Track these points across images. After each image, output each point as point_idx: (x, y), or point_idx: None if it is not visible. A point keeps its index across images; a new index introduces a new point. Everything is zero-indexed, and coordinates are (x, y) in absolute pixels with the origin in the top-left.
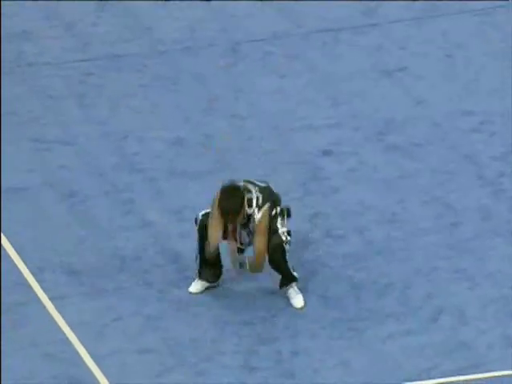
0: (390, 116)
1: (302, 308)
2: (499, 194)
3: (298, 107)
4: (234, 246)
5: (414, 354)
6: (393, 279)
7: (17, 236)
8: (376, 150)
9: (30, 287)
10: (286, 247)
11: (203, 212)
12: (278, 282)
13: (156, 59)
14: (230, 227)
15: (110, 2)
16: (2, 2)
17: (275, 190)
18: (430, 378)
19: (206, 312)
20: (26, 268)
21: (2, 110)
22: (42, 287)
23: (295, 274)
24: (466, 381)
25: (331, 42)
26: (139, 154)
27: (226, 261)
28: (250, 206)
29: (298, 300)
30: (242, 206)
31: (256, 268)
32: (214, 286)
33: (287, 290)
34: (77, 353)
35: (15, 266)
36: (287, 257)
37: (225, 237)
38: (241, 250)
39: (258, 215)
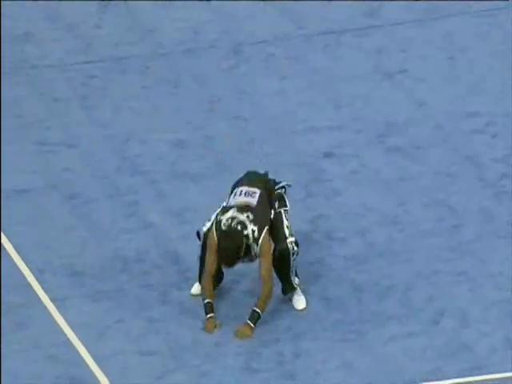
0: (391, 118)
1: (303, 310)
2: (501, 196)
3: (299, 109)
4: None
5: (416, 356)
6: (395, 281)
7: (19, 237)
8: (378, 152)
9: (31, 289)
10: (293, 258)
11: (206, 226)
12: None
13: (158, 61)
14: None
15: (112, 3)
16: (5, 4)
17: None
18: (431, 380)
19: None
20: (27, 269)
21: (5, 113)
22: (43, 289)
23: (296, 282)
24: (468, 383)
25: (333, 44)
26: (141, 156)
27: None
28: (248, 241)
29: (300, 302)
30: (240, 252)
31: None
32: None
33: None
34: (79, 354)
35: (17, 267)
36: (292, 265)
37: None
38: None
39: (256, 248)
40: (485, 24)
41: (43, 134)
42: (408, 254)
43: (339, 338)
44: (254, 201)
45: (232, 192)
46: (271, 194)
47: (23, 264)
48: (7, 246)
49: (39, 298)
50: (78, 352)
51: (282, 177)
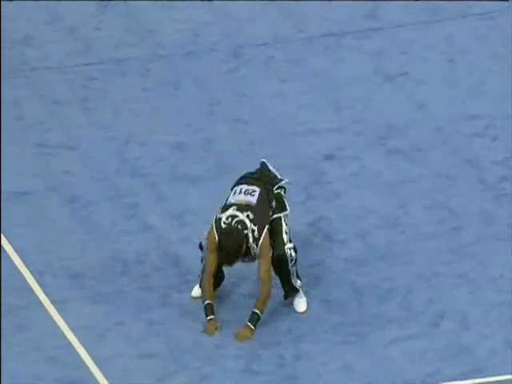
0: (392, 121)
1: (304, 312)
2: (501, 198)
3: (299, 111)
4: None
5: (416, 358)
6: (395, 284)
7: (19, 240)
8: (378, 154)
9: (32, 291)
10: (291, 263)
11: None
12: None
13: (158, 63)
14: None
15: (112, 4)
16: (5, 6)
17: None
18: (432, 383)
19: None
20: (28, 271)
21: (5, 115)
22: (44, 291)
23: (298, 284)
24: None
25: (333, 46)
26: (141, 159)
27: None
28: (247, 241)
29: (301, 304)
30: (240, 251)
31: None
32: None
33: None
34: (79, 356)
35: (17, 269)
36: (292, 268)
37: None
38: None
39: (256, 248)
40: (485, 27)
41: (43, 136)
42: (408, 257)
43: (340, 341)
44: (253, 199)
45: (232, 190)
46: (270, 194)
47: (23, 266)
48: (7, 248)
49: (39, 300)
50: (78, 354)
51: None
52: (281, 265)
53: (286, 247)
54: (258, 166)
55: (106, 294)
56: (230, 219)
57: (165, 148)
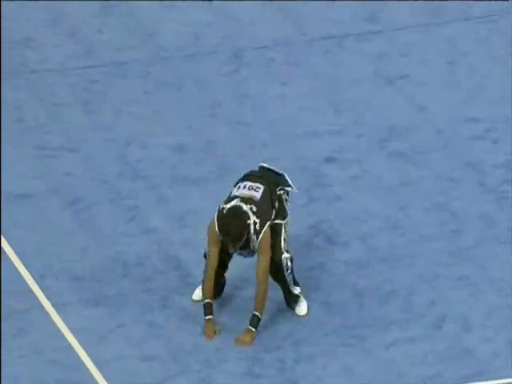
0: (393, 123)
1: (305, 316)
2: (502, 201)
3: (300, 114)
4: None
5: (418, 361)
6: (396, 286)
7: (20, 242)
8: (379, 157)
9: (32, 293)
10: (287, 273)
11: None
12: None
13: (159, 66)
14: (229, 249)
15: (113, 5)
16: (5, 8)
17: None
18: None
19: None
20: (28, 274)
21: (6, 117)
22: (44, 293)
23: (298, 290)
24: None
25: (334, 48)
26: (142, 161)
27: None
28: (248, 232)
29: (301, 308)
30: (243, 233)
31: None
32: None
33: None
34: (79, 359)
35: (18, 272)
36: (288, 279)
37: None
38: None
39: (256, 241)
40: (485, 29)
41: (44, 139)
42: (409, 259)
43: (340, 343)
44: (257, 195)
45: (235, 186)
46: (273, 194)
47: (24, 269)
48: (8, 250)
49: (40, 303)
50: (78, 356)
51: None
52: (276, 272)
53: (282, 256)
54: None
55: (106, 297)
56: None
57: (166, 150)
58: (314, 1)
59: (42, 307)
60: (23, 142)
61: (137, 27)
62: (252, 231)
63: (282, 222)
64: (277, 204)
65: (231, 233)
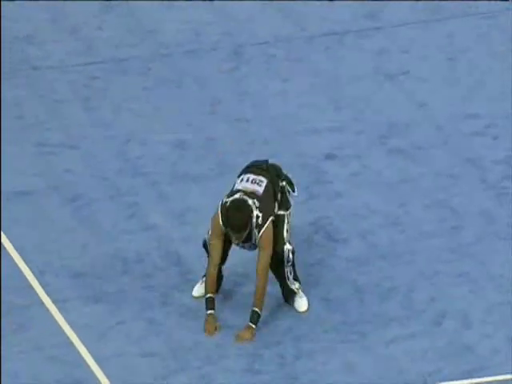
0: (393, 120)
1: (305, 312)
2: (502, 197)
3: (301, 111)
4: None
5: (418, 357)
6: (396, 283)
7: (20, 239)
8: (379, 153)
9: (32, 290)
10: (288, 265)
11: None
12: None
13: (159, 63)
14: (232, 240)
15: (113, 4)
16: (6, 5)
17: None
18: (433, 382)
19: None
20: (28, 271)
21: (6, 114)
22: (44, 290)
23: (296, 286)
24: None
25: (334, 45)
26: (142, 158)
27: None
28: (251, 224)
29: (302, 304)
30: (247, 225)
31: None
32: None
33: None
34: (80, 356)
35: (18, 268)
36: (287, 272)
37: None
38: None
39: (257, 235)
40: (485, 26)
41: (44, 136)
42: (409, 256)
43: (340, 340)
44: (260, 189)
45: (239, 177)
46: (276, 186)
47: (24, 265)
48: (8, 247)
49: (40, 300)
50: (78, 353)
51: None
52: (277, 263)
53: (284, 247)
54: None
55: (106, 293)
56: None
57: (166, 147)
58: (314, 0)
59: (42, 303)
60: (23, 139)
61: (137, 24)
62: (254, 225)
63: (285, 212)
64: (279, 196)
65: (235, 224)
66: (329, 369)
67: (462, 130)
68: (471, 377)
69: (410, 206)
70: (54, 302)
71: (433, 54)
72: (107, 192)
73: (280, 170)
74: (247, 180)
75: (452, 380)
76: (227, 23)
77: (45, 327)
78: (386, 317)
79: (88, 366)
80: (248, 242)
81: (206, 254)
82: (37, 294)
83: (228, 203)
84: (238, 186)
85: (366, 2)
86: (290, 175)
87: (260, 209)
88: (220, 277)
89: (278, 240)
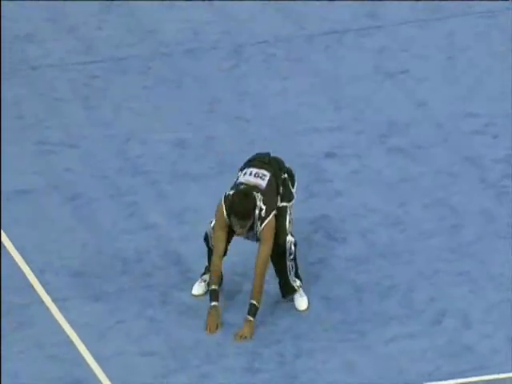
0: (392, 118)
1: (305, 310)
2: (502, 196)
3: (300, 110)
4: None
5: (417, 356)
6: (396, 282)
7: (20, 238)
8: (379, 152)
9: (32, 289)
10: (290, 258)
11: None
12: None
13: (159, 62)
14: (236, 230)
15: (113, 4)
16: (5, 4)
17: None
18: (432, 381)
19: None
20: (28, 270)
21: (6, 113)
22: (44, 289)
23: (298, 284)
24: (469, 383)
25: (334, 44)
26: (142, 157)
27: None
28: (254, 215)
29: (301, 302)
30: (252, 213)
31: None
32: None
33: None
34: (80, 355)
35: (18, 267)
36: (290, 263)
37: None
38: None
39: (259, 227)
40: (485, 25)
41: (44, 135)
42: (409, 255)
43: (340, 339)
44: (263, 183)
45: (242, 171)
46: (279, 179)
47: (24, 264)
48: (8, 246)
49: (40, 299)
50: (78, 352)
51: None
52: (279, 256)
53: (287, 238)
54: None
55: (106, 293)
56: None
57: (165, 146)
58: (314, 0)
59: (42, 302)
60: (23, 138)
61: (136, 23)
62: (257, 217)
63: (288, 204)
64: (281, 189)
65: (240, 211)
66: (328, 368)
67: (461, 128)
68: (471, 376)
69: (409, 205)
70: (54, 300)
71: (433, 53)
72: (107, 191)
73: (282, 162)
74: (250, 174)
75: (451, 379)
76: (227, 22)
77: (45, 326)
78: (386, 316)
79: (88, 365)
80: (252, 231)
81: (205, 250)
82: (37, 293)
83: (233, 193)
84: (241, 180)
85: (365, 1)
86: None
87: (264, 201)
88: (220, 277)
89: (280, 231)
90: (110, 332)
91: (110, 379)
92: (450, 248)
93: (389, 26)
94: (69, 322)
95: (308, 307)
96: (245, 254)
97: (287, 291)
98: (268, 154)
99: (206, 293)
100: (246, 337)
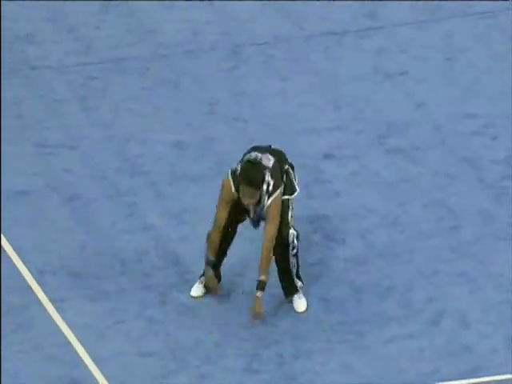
0: (391, 119)
1: (304, 312)
2: (500, 197)
3: (299, 110)
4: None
5: (416, 357)
6: (394, 282)
7: (19, 239)
8: (378, 153)
9: (31, 290)
10: (292, 252)
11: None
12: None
13: (158, 62)
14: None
15: (113, 4)
16: (5, 5)
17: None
18: (431, 382)
19: (208, 315)
20: (27, 271)
21: (5, 114)
22: (43, 290)
23: (299, 284)
24: None
25: (333, 45)
26: (141, 157)
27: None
28: (262, 189)
29: (301, 304)
30: (262, 181)
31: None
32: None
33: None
34: (78, 355)
35: (17, 268)
36: (292, 262)
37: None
38: (256, 223)
39: (267, 201)
40: (484, 25)
41: (43, 136)
42: (408, 255)
43: (339, 339)
44: (269, 163)
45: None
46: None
47: (23, 265)
48: (7, 247)
49: (39, 299)
50: (77, 353)
51: None
52: (281, 248)
53: (290, 231)
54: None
55: (105, 293)
56: None
57: (165, 147)
58: (313, 0)
59: (41, 303)
60: (22, 139)
61: (135, 24)
62: (265, 191)
63: (290, 197)
64: (285, 177)
65: (249, 178)
66: (327, 368)
67: (460, 129)
68: (470, 377)
69: (408, 205)
70: (53, 301)
71: (432, 54)
72: (106, 192)
73: (284, 154)
74: (256, 156)
75: (450, 380)
76: (226, 23)
77: (44, 327)
78: (385, 316)
79: (86, 366)
80: (258, 206)
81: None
82: (35, 294)
83: (241, 165)
84: (247, 158)
85: (365, 1)
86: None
87: (271, 176)
88: (218, 277)
89: (282, 225)
90: (109, 332)
91: (109, 380)
92: (449, 248)
93: (388, 26)
94: (67, 323)
95: (307, 308)
96: (244, 255)
97: (290, 291)
98: (269, 146)
99: (204, 294)
100: (259, 314)
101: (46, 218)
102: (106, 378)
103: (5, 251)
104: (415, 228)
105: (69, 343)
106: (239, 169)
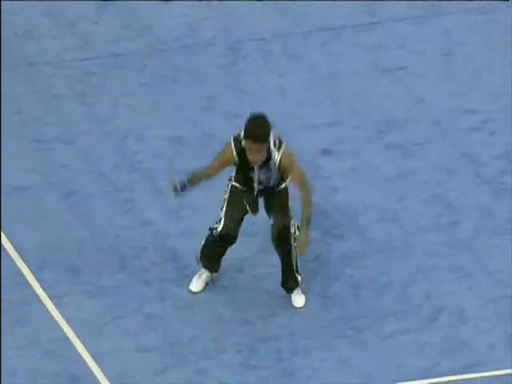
0: (390, 115)
1: (302, 307)
2: (499, 192)
3: (297, 106)
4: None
5: (414, 352)
6: (392, 278)
7: (17, 234)
8: (376, 148)
9: (29, 286)
10: (294, 244)
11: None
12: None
13: (156, 58)
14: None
15: (111, 5)
16: (4, 1)
17: None
18: (429, 377)
19: (206, 310)
20: (25, 266)
21: (3, 110)
22: (41, 286)
23: (299, 279)
24: (466, 380)
25: (331, 40)
26: (139, 153)
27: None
28: (269, 143)
29: (298, 299)
30: (268, 135)
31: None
32: (213, 280)
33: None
34: (77, 351)
35: (15, 264)
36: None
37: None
38: (260, 192)
39: (277, 155)
40: (483, 21)
41: (41, 131)
42: (406, 251)
43: (337, 335)
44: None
45: None
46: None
47: (21, 261)
48: (4, 243)
49: (37, 295)
50: (75, 348)
51: None
52: (282, 238)
53: (291, 222)
54: None
55: (103, 289)
56: None
57: (163, 142)
58: (313, 0)
59: (39, 299)
60: (20, 135)
61: (133, 20)
62: (272, 145)
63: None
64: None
65: (256, 132)
66: (325, 364)
67: (459, 125)
68: (468, 372)
69: (407, 200)
70: (51, 297)
71: (430, 49)
72: (104, 187)
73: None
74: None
75: (448, 375)
76: (224, 19)
77: (42, 323)
78: (383, 312)
79: (85, 362)
80: (267, 163)
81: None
82: (33, 290)
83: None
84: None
85: (364, 4)
86: None
87: (274, 137)
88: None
89: (284, 214)
90: (107, 328)
91: (107, 375)
92: (448, 243)
93: (386, 22)
94: (65, 318)
95: (305, 304)
96: (242, 252)
97: (291, 286)
98: None
99: (203, 288)
100: (303, 246)
101: (44, 214)
102: (105, 373)
103: (2, 246)
104: (414, 223)
105: (67, 339)
106: (242, 132)
